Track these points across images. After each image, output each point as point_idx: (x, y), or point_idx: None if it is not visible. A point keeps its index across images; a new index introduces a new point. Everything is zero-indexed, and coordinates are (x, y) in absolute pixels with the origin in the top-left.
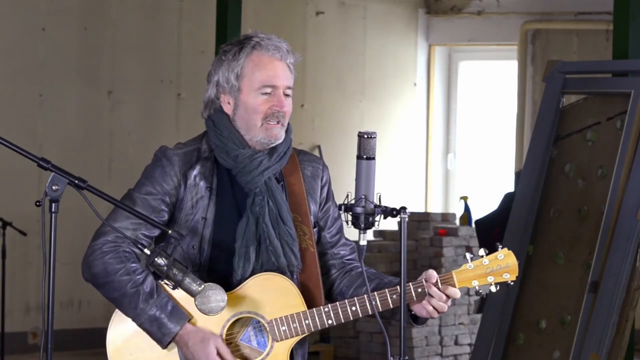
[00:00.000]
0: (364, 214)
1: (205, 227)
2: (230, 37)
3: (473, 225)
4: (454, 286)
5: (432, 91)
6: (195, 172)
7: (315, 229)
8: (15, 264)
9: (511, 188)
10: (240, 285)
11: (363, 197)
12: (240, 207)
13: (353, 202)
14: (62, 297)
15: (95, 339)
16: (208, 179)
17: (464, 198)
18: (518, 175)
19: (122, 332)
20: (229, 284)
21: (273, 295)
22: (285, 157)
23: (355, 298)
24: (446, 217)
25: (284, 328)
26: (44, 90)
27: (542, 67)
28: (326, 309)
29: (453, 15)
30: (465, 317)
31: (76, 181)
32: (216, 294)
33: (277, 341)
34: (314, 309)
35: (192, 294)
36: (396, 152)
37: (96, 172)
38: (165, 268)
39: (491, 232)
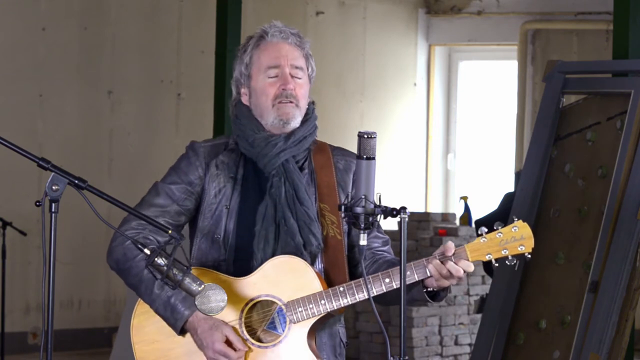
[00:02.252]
0: (364, 214)
1: (229, 216)
2: (230, 37)
3: (473, 225)
4: (467, 260)
5: (432, 91)
6: (217, 161)
7: (345, 219)
8: (15, 264)
9: (511, 188)
10: (257, 269)
11: (363, 197)
12: (264, 194)
13: (353, 202)
14: (62, 297)
15: (95, 339)
16: (232, 169)
17: (464, 198)
18: (518, 175)
19: (144, 320)
20: (252, 267)
21: (290, 277)
22: (305, 142)
23: (371, 276)
24: (446, 217)
25: (300, 309)
26: (44, 90)
27: (542, 67)
28: (341, 289)
29: (453, 15)
30: (465, 317)
31: (76, 181)
32: (216, 294)
33: (295, 323)
34: (329, 289)
35: (192, 294)
36: (396, 152)
37: (96, 172)
38: (165, 268)
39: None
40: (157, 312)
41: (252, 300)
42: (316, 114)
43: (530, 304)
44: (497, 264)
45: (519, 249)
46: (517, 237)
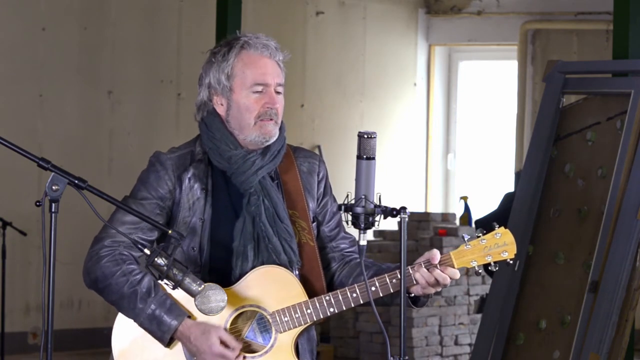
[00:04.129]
0: (364, 214)
1: (204, 228)
2: None
3: (473, 225)
4: (453, 267)
5: (432, 91)
6: (189, 174)
7: (314, 224)
8: (15, 264)
9: (511, 188)
10: (241, 279)
11: (363, 197)
12: (237, 207)
13: (353, 202)
14: (62, 297)
15: (95, 339)
16: (202, 180)
17: (464, 198)
18: (518, 175)
19: (126, 333)
20: (229, 283)
21: (274, 287)
22: (279, 156)
23: (356, 285)
24: (446, 217)
25: (286, 319)
26: (44, 90)
27: (542, 67)
28: (327, 298)
29: (453, 15)
30: (465, 317)
31: (76, 181)
32: (216, 294)
33: (281, 332)
34: (315, 298)
35: (192, 294)
36: (396, 152)
37: (96, 172)
38: (165, 268)
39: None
40: (141, 325)
41: (237, 309)
42: (285, 125)
43: (530, 304)
44: (481, 271)
45: (502, 255)
46: (500, 244)
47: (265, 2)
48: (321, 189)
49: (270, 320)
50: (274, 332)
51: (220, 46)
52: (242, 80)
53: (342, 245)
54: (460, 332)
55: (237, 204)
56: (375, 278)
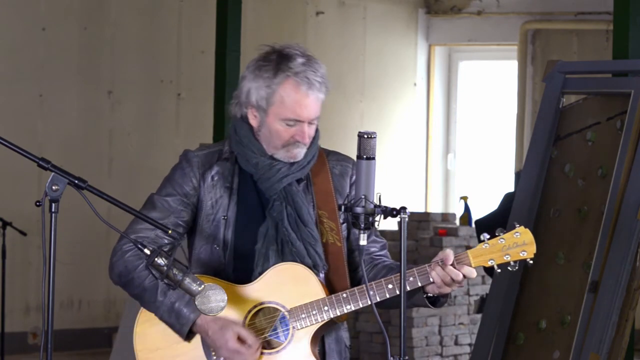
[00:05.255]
0: (364, 214)
1: (227, 226)
2: (230, 37)
3: (473, 225)
4: (470, 265)
5: (432, 91)
6: (213, 172)
7: (344, 225)
8: (15, 264)
9: (511, 188)
10: (260, 276)
11: (363, 197)
12: (265, 208)
13: (353, 202)
14: (62, 297)
15: (95, 339)
16: (227, 178)
17: (464, 198)
18: (518, 175)
19: (148, 327)
20: (249, 282)
21: (292, 284)
22: (308, 167)
23: (373, 282)
24: (446, 217)
25: (303, 316)
26: (44, 90)
27: (542, 67)
28: (344, 295)
29: (453, 15)
30: (465, 317)
31: (76, 181)
32: (216, 294)
33: (298, 329)
34: (332, 295)
35: (192, 294)
36: (396, 152)
37: (96, 172)
38: (165, 268)
39: (491, 232)
40: (161, 318)
41: (255, 306)
42: (319, 132)
43: (530, 304)
44: (499, 270)
45: (521, 254)
46: (519, 243)
47: (265, 2)
48: (353, 192)
49: (288, 317)
50: (291, 328)
51: (269, 60)
52: (279, 109)
53: (372, 249)
54: (460, 332)
55: (266, 205)
56: (392, 276)
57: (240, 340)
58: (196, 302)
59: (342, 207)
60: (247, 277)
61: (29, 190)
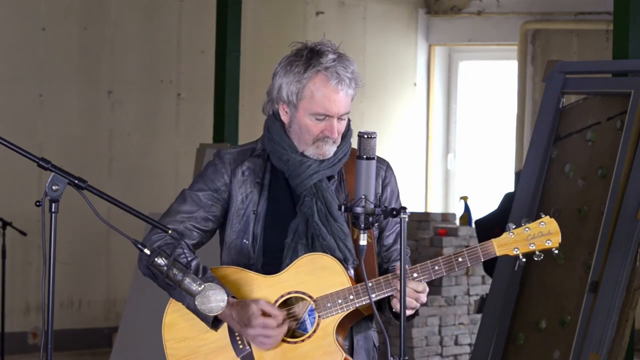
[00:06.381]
0: (364, 214)
1: (257, 221)
2: (230, 37)
3: (473, 225)
4: (494, 254)
5: (432, 91)
6: (243, 167)
7: (376, 224)
8: (15, 264)
9: (511, 188)
10: (287, 267)
11: (363, 197)
12: (296, 205)
13: (353, 202)
14: (62, 297)
15: (95, 339)
16: (258, 174)
17: (464, 198)
18: (518, 175)
19: (177, 318)
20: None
21: (319, 273)
22: (338, 165)
23: (382, 278)
24: (446, 217)
25: (329, 304)
26: (44, 90)
27: (542, 67)
28: (370, 284)
29: (453, 15)
30: (465, 317)
31: (76, 181)
32: (216, 294)
33: (323, 318)
34: (358, 284)
35: (192, 293)
36: (396, 152)
37: (96, 172)
38: (165, 268)
39: (491, 232)
40: (188, 307)
41: (282, 296)
42: (352, 130)
43: (530, 304)
44: (524, 259)
45: (546, 243)
46: (545, 232)
47: (265, 2)
48: (385, 194)
49: (315, 306)
50: (317, 317)
51: (300, 56)
52: (309, 104)
53: (393, 256)
54: (460, 332)
55: (297, 203)
56: (440, 258)
57: (265, 314)
58: (196, 302)
59: (342, 207)
60: (276, 271)
61: (29, 190)
